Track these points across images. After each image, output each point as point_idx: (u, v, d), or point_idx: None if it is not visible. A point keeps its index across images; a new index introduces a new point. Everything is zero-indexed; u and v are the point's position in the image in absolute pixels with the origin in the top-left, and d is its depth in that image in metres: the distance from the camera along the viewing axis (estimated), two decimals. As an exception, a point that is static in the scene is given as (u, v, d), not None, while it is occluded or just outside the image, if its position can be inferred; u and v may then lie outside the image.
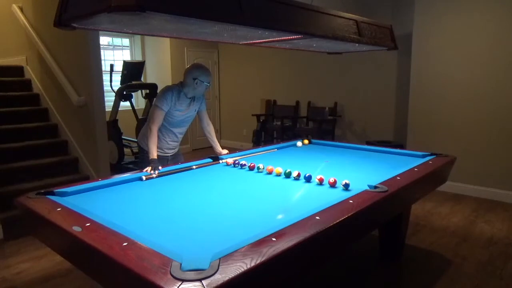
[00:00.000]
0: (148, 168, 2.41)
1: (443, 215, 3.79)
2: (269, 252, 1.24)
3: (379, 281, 2.58)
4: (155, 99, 2.76)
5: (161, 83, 6.14)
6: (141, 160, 2.98)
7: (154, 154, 2.60)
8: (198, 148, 7.31)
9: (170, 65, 6.87)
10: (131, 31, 2.13)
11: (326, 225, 1.49)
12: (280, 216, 1.69)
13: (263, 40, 2.46)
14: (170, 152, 2.97)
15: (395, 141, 5.15)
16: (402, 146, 4.58)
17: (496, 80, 4.13)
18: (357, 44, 2.55)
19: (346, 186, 2.03)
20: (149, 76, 7.21)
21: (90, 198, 1.95)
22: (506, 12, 3.99)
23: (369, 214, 1.80)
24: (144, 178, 2.28)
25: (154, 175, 2.34)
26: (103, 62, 5.20)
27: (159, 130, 2.78)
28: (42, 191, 1.91)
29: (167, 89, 2.74)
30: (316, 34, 2.13)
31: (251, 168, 2.52)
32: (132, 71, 5.39)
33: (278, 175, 2.37)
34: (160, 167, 2.45)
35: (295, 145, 3.52)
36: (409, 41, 4.75)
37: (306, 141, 3.59)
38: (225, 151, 2.92)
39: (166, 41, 6.79)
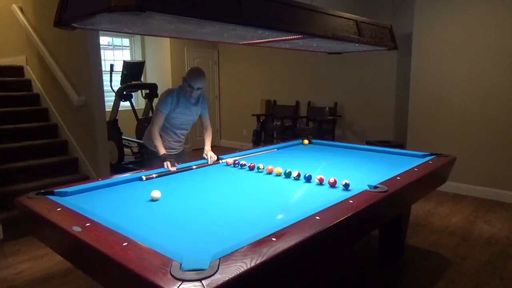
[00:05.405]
0: (168, 164, 2.48)
1: (443, 215, 3.79)
2: (269, 252, 1.24)
3: (379, 281, 2.58)
4: (157, 101, 2.82)
5: (161, 83, 6.15)
6: (147, 159, 3.02)
7: (162, 150, 2.70)
8: (198, 148, 7.31)
9: (170, 65, 6.87)
10: (131, 31, 2.13)
11: (326, 225, 1.49)
12: (280, 216, 1.69)
13: (263, 40, 2.45)
14: (174, 152, 3.00)
15: (395, 141, 5.15)
16: (402, 146, 4.58)
17: (496, 80, 4.12)
18: (357, 44, 2.55)
19: (346, 186, 2.03)
20: (149, 76, 7.21)
21: (90, 198, 1.95)
22: (506, 12, 3.99)
23: (369, 214, 1.80)
24: (144, 178, 2.28)
25: (173, 169, 2.45)
26: (103, 62, 5.20)
27: (163, 130, 2.87)
28: (42, 191, 1.91)
29: (168, 92, 2.82)
30: (316, 34, 2.13)
31: (251, 168, 2.52)
32: (132, 71, 5.39)
33: (278, 175, 2.37)
34: (176, 163, 2.54)
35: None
36: (409, 41, 4.75)
37: (306, 141, 3.59)
38: (210, 154, 2.79)
39: (166, 41, 6.79)
